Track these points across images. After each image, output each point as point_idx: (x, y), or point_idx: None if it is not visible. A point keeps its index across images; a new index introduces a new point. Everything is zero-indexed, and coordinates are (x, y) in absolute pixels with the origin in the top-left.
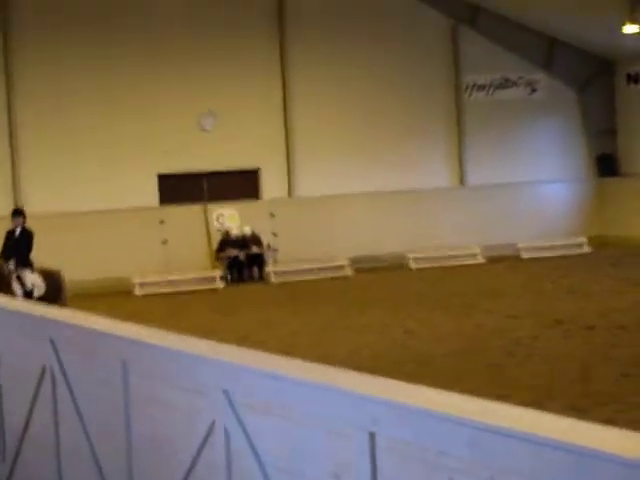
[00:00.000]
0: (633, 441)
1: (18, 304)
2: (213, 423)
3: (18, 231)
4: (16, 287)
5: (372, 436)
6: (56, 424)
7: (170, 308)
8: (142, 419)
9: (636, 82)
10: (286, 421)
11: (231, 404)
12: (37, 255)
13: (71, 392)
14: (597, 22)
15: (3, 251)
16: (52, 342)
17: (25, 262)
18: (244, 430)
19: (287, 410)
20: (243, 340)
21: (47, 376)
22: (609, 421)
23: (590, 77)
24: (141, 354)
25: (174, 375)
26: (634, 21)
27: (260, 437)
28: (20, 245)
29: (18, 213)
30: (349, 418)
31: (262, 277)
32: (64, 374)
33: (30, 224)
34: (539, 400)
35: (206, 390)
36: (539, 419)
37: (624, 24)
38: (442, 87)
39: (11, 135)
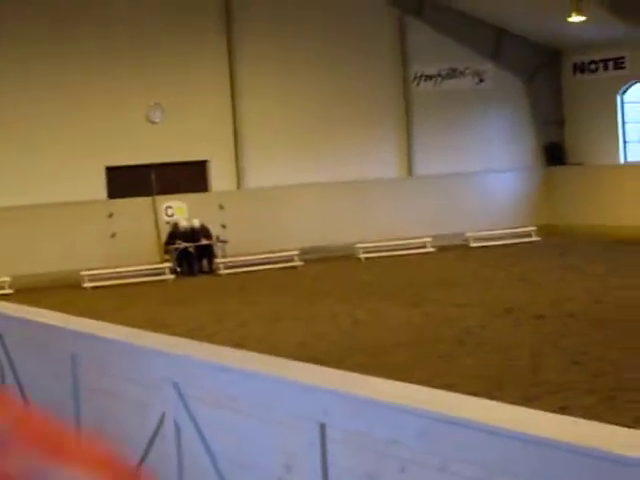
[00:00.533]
0: (585, 429)
1: None
2: (163, 415)
3: None
4: None
5: (323, 427)
6: None
7: (120, 301)
8: (92, 412)
9: (582, 72)
10: (236, 413)
11: (181, 396)
12: None
13: (20, 386)
14: (544, 12)
15: None
16: (0, 336)
17: None
18: (194, 423)
19: (237, 402)
20: (193, 332)
21: None
22: (560, 409)
23: (538, 67)
24: (91, 347)
25: (124, 368)
26: (579, 11)
27: (210, 429)
28: None
29: None
30: (299, 409)
31: (212, 269)
32: (13, 368)
33: None
34: (490, 389)
35: (156, 383)
36: (490, 408)
37: (570, 14)
38: (390, 78)
39: None
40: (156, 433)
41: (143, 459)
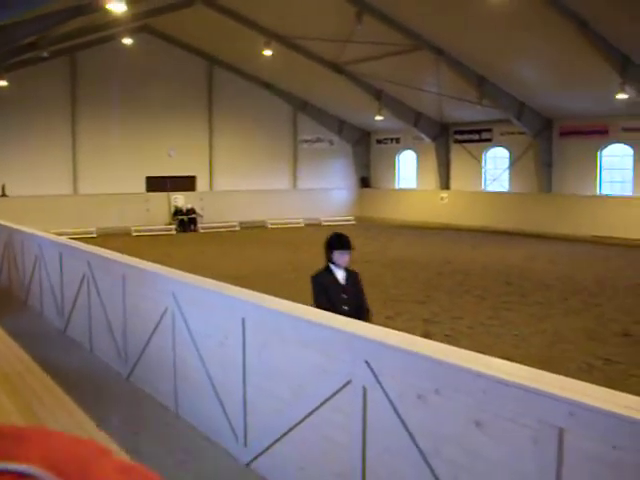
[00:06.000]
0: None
1: None
2: (166, 308)
3: (344, 274)
4: None
5: (243, 320)
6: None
7: (149, 242)
8: (132, 304)
9: (379, 143)
10: (203, 309)
11: (175, 299)
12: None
13: (97, 288)
14: (360, 114)
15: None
16: (88, 263)
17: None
18: (181, 313)
19: (204, 302)
20: (183, 259)
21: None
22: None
23: (359, 139)
24: (133, 272)
25: (149, 283)
26: (379, 113)
27: (189, 316)
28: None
29: (349, 247)
30: (229, 308)
31: (195, 229)
32: (94, 279)
33: None
34: None
35: (164, 291)
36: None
37: (375, 115)
38: (288, 141)
39: None
40: (162, 316)
41: (155, 329)
